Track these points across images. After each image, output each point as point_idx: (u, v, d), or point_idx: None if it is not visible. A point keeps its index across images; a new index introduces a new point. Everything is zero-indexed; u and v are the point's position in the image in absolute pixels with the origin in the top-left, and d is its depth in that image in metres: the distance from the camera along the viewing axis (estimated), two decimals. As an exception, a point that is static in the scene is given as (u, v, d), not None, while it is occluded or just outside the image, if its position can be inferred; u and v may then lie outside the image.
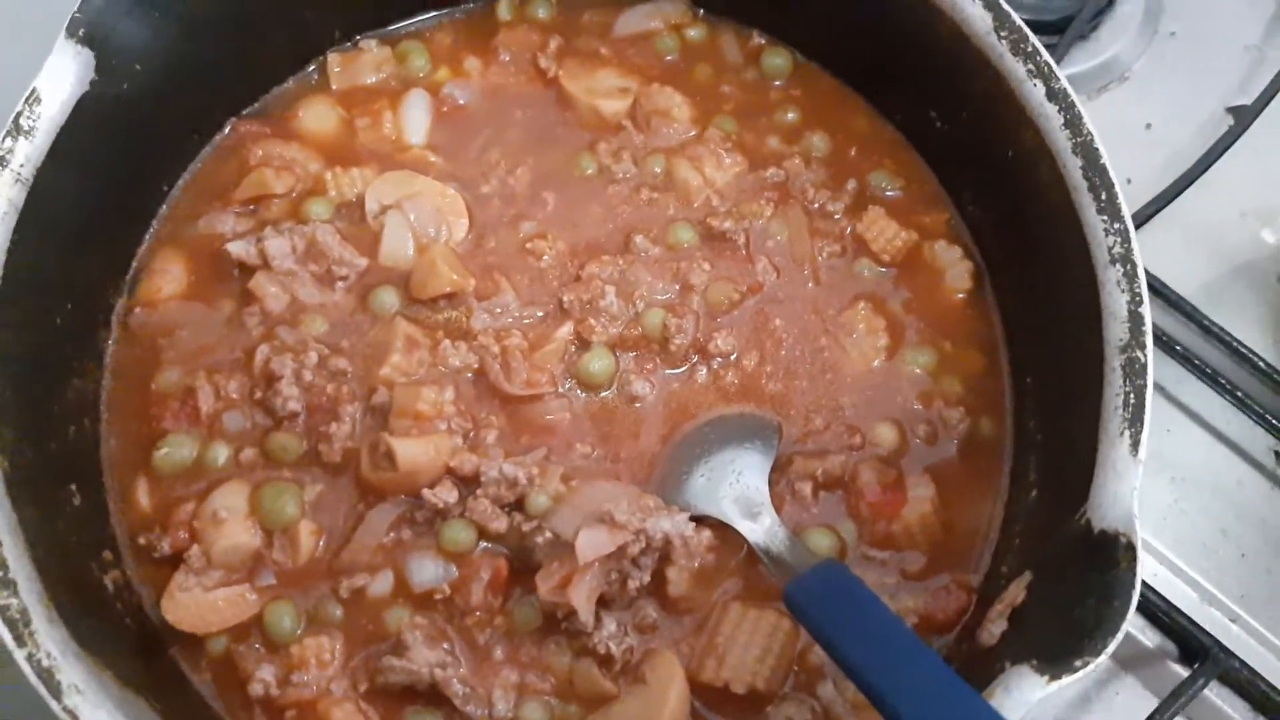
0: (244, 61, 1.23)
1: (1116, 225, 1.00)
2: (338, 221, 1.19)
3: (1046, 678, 0.85)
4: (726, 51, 1.32)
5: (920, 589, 1.08)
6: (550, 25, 1.32)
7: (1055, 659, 0.86)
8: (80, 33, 1.03)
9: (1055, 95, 1.05)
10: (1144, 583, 0.89)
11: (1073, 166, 1.03)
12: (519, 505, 1.05)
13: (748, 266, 1.20)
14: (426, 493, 1.05)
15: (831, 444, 1.13)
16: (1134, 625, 1.20)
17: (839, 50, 1.28)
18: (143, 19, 1.08)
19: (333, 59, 1.29)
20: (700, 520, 1.06)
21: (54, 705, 0.86)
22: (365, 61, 1.28)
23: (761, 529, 1.05)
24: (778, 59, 1.30)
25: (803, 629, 1.02)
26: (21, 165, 1.00)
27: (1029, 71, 1.06)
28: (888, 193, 1.25)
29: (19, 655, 0.87)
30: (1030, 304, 1.14)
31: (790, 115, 1.28)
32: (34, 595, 0.90)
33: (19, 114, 1.01)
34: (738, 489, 1.08)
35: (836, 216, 1.23)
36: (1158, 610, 1.20)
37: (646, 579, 1.03)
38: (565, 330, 1.15)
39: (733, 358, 1.16)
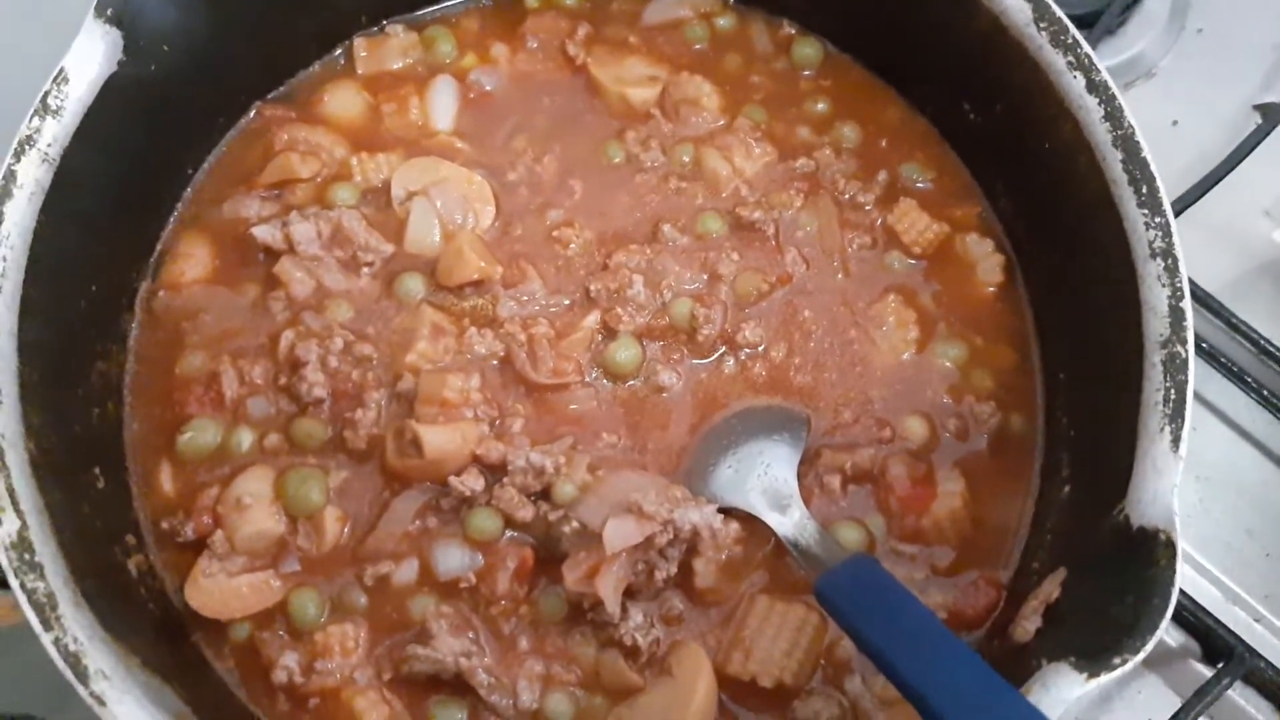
0: (270, 45, 1.22)
1: (1158, 219, 0.99)
2: (363, 207, 1.18)
3: (1085, 675, 0.84)
4: (756, 41, 1.31)
5: (949, 584, 1.07)
6: (579, 12, 1.31)
7: (1093, 656, 0.85)
8: (109, 12, 1.02)
9: (1096, 87, 1.04)
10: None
11: (1113, 159, 1.02)
12: (545, 494, 1.05)
13: (777, 257, 1.19)
14: (453, 480, 1.04)
15: (861, 437, 1.12)
16: (1159, 624, 1.20)
17: (871, 41, 1.27)
18: (171, 0, 1.07)
19: (359, 44, 1.28)
20: (728, 512, 1.05)
21: (81, 690, 0.86)
22: (392, 47, 1.28)
23: (790, 522, 1.05)
24: (808, 49, 1.30)
25: (830, 623, 1.02)
26: (49, 145, 0.99)
27: (1069, 64, 1.06)
28: (919, 184, 1.24)
29: (46, 639, 0.86)
30: (1063, 298, 1.13)
31: (820, 105, 1.27)
32: (60, 579, 0.89)
33: (46, 93, 1.00)
34: (766, 481, 1.08)
35: (867, 208, 1.22)
36: (1182, 609, 1.19)
37: (674, 570, 1.03)
38: (592, 319, 1.14)
39: (761, 349, 1.15)
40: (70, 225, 1.02)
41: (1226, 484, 1.31)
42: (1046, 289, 1.17)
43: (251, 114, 1.24)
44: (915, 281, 1.19)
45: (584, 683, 1.03)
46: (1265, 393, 1.31)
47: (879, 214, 1.21)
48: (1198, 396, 1.34)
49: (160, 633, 1.00)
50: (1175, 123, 1.49)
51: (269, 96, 1.25)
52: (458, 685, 1.01)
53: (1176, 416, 0.93)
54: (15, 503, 0.89)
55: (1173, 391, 0.94)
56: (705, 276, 1.17)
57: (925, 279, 1.20)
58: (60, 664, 0.86)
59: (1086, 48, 1.06)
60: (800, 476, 1.09)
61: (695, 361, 1.15)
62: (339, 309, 1.14)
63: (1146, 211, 1.00)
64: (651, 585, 1.03)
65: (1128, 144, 1.02)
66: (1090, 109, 1.04)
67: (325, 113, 1.24)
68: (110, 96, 1.03)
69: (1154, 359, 0.96)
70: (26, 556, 0.88)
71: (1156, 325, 0.97)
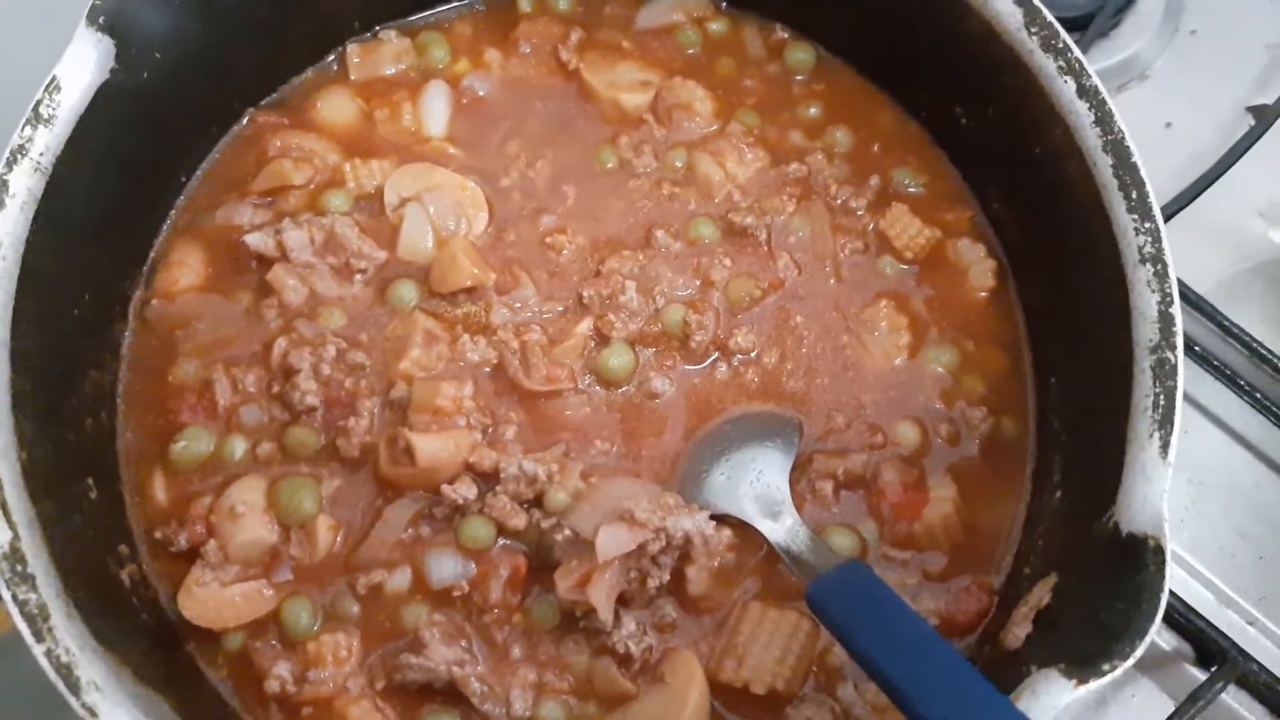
0: (263, 52, 1.22)
1: (1148, 224, 0.99)
2: (356, 214, 1.18)
3: (1075, 681, 0.85)
4: (749, 45, 1.31)
5: (941, 590, 1.08)
6: (571, 17, 1.31)
7: (1083, 662, 0.85)
8: (101, 20, 1.02)
9: (1086, 92, 1.04)
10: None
11: (1103, 164, 1.02)
12: (538, 502, 1.04)
13: (769, 263, 1.19)
14: (445, 489, 1.04)
15: (853, 443, 1.12)
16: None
17: (863, 45, 1.27)
18: (163, 7, 1.07)
19: (352, 50, 1.27)
20: (720, 519, 1.05)
21: (73, 702, 0.86)
22: (385, 52, 1.28)
23: (782, 528, 1.05)
24: (801, 53, 1.30)
25: (823, 629, 1.02)
26: (41, 154, 0.99)
27: (1060, 68, 1.06)
28: (911, 189, 1.24)
29: (38, 651, 0.86)
30: (1055, 303, 1.13)
31: (813, 110, 1.27)
32: (52, 590, 0.89)
33: (39, 102, 1.00)
34: (758, 487, 1.08)
35: (859, 213, 1.22)
36: (1175, 613, 1.19)
37: (666, 578, 1.03)
38: (585, 326, 1.14)
39: (753, 355, 1.15)
40: (63, 234, 1.02)
41: (1219, 487, 1.31)
42: (1038, 294, 1.17)
43: (244, 121, 1.24)
44: (907, 286, 1.20)
45: (577, 691, 1.03)
46: (1258, 396, 1.31)
47: (871, 219, 1.21)
48: (1191, 400, 1.34)
49: (153, 643, 1.00)
50: (1169, 124, 1.49)
51: (262, 103, 1.25)
52: (450, 694, 1.01)
53: (1166, 422, 0.93)
54: (7, 514, 0.89)
55: (1162, 397, 0.94)
56: (698, 282, 1.17)
57: (917, 284, 1.20)
58: (52, 676, 0.86)
59: (1077, 52, 1.06)
60: (792, 483, 1.09)
61: (688, 368, 1.15)
62: (332, 316, 1.14)
63: (1136, 217, 1.00)
64: (644, 593, 1.03)
65: (1118, 149, 1.02)
66: (1080, 114, 1.04)
67: (318, 119, 1.24)
68: (103, 105, 1.03)
69: (1143, 364, 0.96)
70: (18, 568, 0.88)
71: (1146, 330, 0.97)
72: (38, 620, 0.87)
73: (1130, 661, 0.85)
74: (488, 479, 1.05)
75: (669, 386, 1.13)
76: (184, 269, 1.16)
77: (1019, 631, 0.96)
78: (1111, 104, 1.04)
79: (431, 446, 1.04)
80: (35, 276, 0.98)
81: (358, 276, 1.15)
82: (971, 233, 1.22)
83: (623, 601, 1.02)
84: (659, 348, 1.15)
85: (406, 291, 1.15)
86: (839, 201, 1.22)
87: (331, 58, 1.28)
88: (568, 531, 1.02)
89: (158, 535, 1.05)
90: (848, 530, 1.09)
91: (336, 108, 1.25)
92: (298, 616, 1.03)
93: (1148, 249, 0.99)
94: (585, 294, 1.15)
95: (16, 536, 0.89)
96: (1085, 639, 0.87)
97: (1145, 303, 0.98)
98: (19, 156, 0.98)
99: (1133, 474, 0.93)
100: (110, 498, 1.06)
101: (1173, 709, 1.15)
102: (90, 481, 1.04)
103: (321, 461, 1.08)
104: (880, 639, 0.91)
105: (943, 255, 1.21)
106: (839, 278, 1.19)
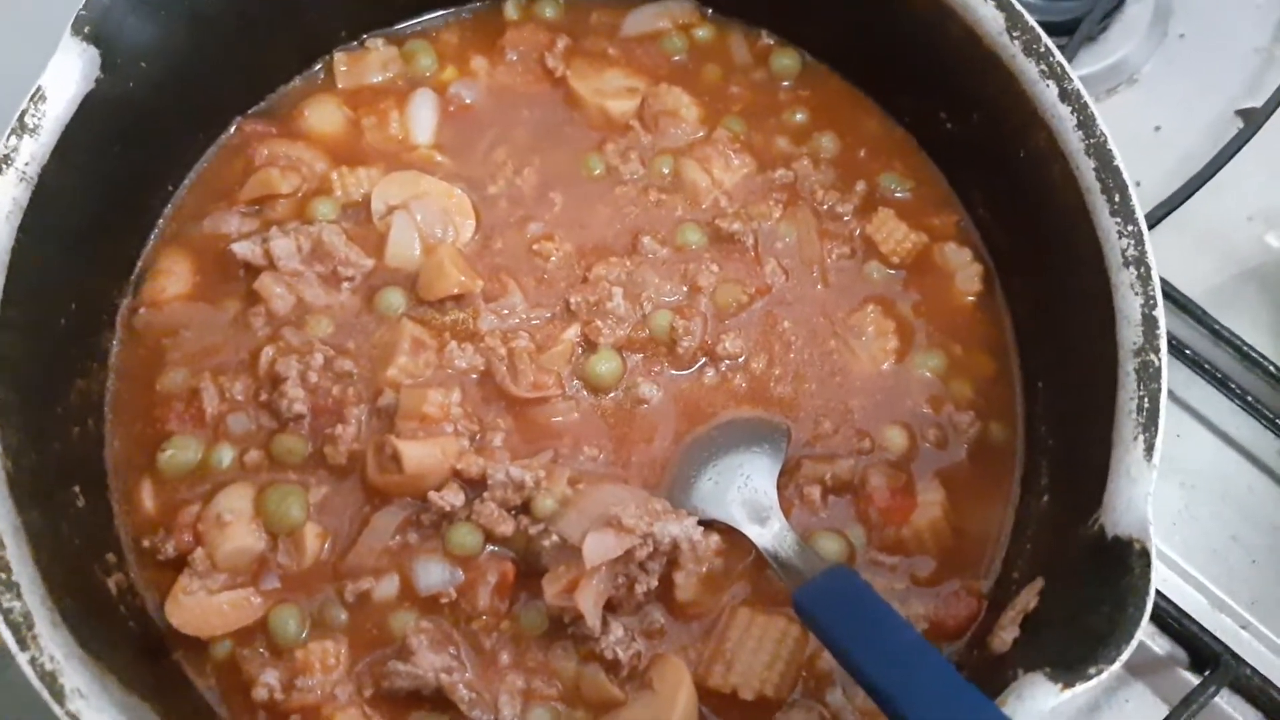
0: (250, 60, 1.22)
1: (1130, 228, 0.99)
2: (344, 222, 1.18)
3: (1060, 685, 0.85)
4: (735, 52, 1.31)
5: (930, 595, 1.07)
6: (558, 25, 1.31)
7: (1069, 666, 0.85)
8: (86, 30, 1.02)
9: (1068, 96, 1.04)
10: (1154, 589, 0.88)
11: (1086, 168, 1.02)
12: (526, 508, 1.05)
13: (756, 268, 1.19)
14: (433, 495, 1.04)
15: (840, 448, 1.12)
16: (1144, 632, 1.15)
17: (848, 51, 1.27)
18: (149, 17, 1.07)
19: (339, 58, 1.28)
20: (708, 524, 1.05)
21: (57, 710, 0.86)
22: (371, 61, 1.28)
23: (770, 533, 1.05)
24: (786, 59, 1.30)
25: (811, 635, 1.01)
26: (26, 164, 1.00)
27: (1041, 72, 1.06)
28: (897, 194, 1.24)
29: (22, 659, 0.86)
30: (1041, 307, 1.14)
31: (799, 116, 1.28)
32: (37, 598, 0.89)
33: (24, 112, 1.00)
34: (746, 493, 1.08)
35: (846, 218, 1.22)
36: (1168, 617, 1.19)
37: (654, 583, 1.02)
38: (572, 332, 1.14)
39: (741, 360, 1.15)
40: (49, 243, 1.02)
41: (1211, 490, 1.31)
42: (1025, 298, 1.17)
43: (231, 130, 1.24)
44: (894, 291, 1.20)
45: (565, 697, 1.03)
46: (1249, 398, 1.31)
47: (858, 224, 1.21)
48: (1182, 404, 1.34)
49: (140, 651, 1.00)
50: (1158, 128, 1.49)
51: (249, 112, 1.25)
52: (439, 701, 1.01)
53: (1150, 425, 0.93)
54: (-9, 523, 0.90)
55: (1146, 400, 0.94)
56: (685, 288, 1.17)
57: (904, 289, 1.20)
58: (36, 683, 0.86)
59: (1059, 56, 1.06)
60: (780, 488, 1.09)
61: (675, 373, 1.15)
62: (319, 324, 1.14)
63: (1119, 220, 1.00)
64: (632, 599, 1.03)
65: (1100, 152, 1.02)
66: (1063, 118, 1.04)
67: (305, 127, 1.24)
68: (88, 114, 1.03)
69: (1128, 367, 0.96)
70: (3, 576, 0.88)
71: (1130, 333, 0.97)
72: (22, 628, 0.87)
73: (1116, 665, 0.84)
74: (475, 486, 1.05)
75: (657, 392, 1.13)
76: (171, 277, 1.16)
77: (1006, 636, 0.96)
78: (1094, 108, 1.04)
79: (419, 453, 1.04)
80: (22, 286, 0.99)
81: (345, 284, 1.16)
82: (958, 237, 1.22)
83: (611, 607, 1.02)
84: (646, 354, 1.15)
85: (394, 299, 1.15)
86: (825, 207, 1.22)
87: (318, 66, 1.28)
88: (555, 538, 1.02)
89: (145, 543, 1.06)
90: (835, 535, 1.08)
91: (324, 116, 1.25)
92: (285, 624, 1.03)
93: (1131, 252, 0.99)
94: (572, 300, 1.15)
95: (1, 545, 0.89)
96: (1072, 643, 0.87)
97: (1129, 306, 0.98)
98: (4, 166, 0.99)
99: (1118, 477, 0.93)
100: (97, 506, 1.06)
101: (1166, 713, 1.15)
102: (77, 490, 1.04)
103: (309, 469, 1.08)
104: (866, 644, 0.90)
105: (929, 260, 1.21)
106: (826, 283, 1.19)
